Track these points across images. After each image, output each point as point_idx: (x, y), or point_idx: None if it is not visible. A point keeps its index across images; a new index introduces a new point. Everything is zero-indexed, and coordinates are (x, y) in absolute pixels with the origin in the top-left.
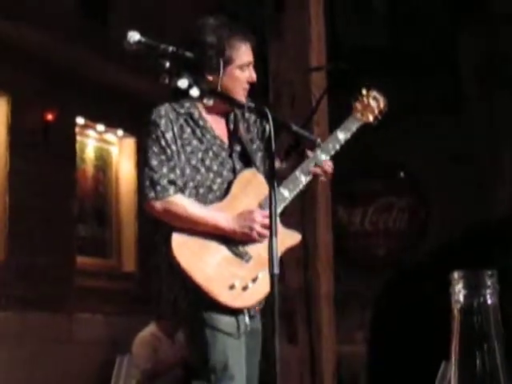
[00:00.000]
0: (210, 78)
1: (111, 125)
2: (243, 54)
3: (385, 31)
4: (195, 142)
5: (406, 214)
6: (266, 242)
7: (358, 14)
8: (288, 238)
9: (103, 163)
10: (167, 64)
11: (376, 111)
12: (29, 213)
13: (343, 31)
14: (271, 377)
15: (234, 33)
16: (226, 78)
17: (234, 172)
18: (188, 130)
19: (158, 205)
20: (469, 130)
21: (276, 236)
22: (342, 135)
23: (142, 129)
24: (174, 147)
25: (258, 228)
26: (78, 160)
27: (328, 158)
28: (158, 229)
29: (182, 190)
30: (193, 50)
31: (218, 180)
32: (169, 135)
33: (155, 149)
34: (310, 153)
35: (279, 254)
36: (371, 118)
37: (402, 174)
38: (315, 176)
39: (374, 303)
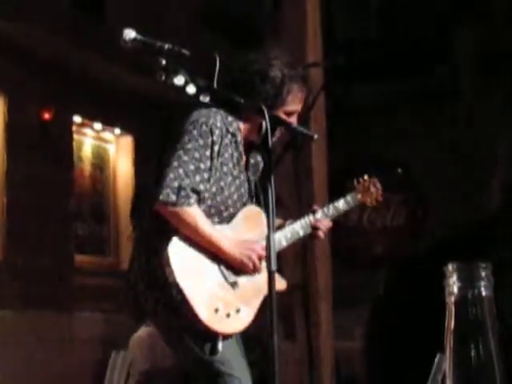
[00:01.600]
0: (264, 108)
1: (108, 123)
2: (296, 101)
3: (382, 27)
4: (230, 165)
5: (404, 211)
6: (254, 279)
7: (354, 9)
8: (276, 283)
9: (100, 161)
10: (163, 61)
11: (373, 197)
12: (26, 211)
13: (339, 27)
14: (269, 373)
15: (297, 78)
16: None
17: (245, 206)
18: (229, 150)
19: (173, 210)
20: (466, 126)
21: (274, 231)
22: (342, 206)
23: (180, 122)
24: (215, 161)
25: (255, 259)
26: (75, 158)
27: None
28: (151, 228)
29: (199, 202)
30: (254, 77)
31: (231, 210)
32: (216, 148)
33: (197, 154)
34: (315, 207)
35: (261, 298)
36: (368, 202)
37: (399, 171)
38: (314, 229)
39: (372, 298)
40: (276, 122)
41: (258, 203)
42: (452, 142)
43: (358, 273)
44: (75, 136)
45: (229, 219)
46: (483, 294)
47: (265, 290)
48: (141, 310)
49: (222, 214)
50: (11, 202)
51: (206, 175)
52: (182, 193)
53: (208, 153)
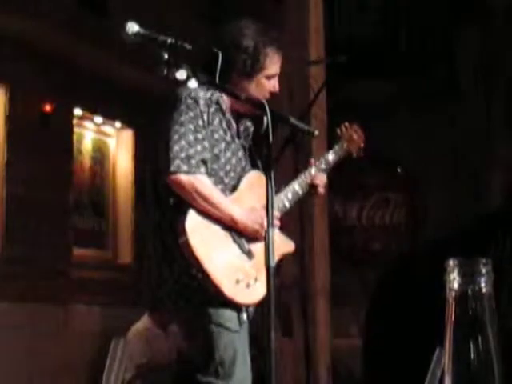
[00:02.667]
0: (237, 79)
1: (109, 116)
2: (274, 64)
3: (383, 26)
4: (221, 132)
5: (403, 209)
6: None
7: (356, 8)
8: (283, 245)
9: (100, 155)
10: (165, 55)
11: (358, 144)
12: (25, 204)
13: (342, 25)
14: (266, 370)
15: (270, 42)
16: (253, 84)
17: (244, 171)
18: (217, 118)
19: (187, 180)
20: (466, 125)
21: (273, 227)
22: (332, 157)
23: (171, 104)
24: (207, 130)
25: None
26: (75, 151)
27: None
28: (159, 213)
29: (207, 172)
30: (228, 50)
31: (231, 174)
32: (205, 117)
33: (191, 126)
34: (311, 168)
35: (275, 261)
36: (354, 150)
37: (398, 170)
38: (313, 187)
39: (370, 295)
40: (277, 118)
41: (256, 168)
42: (452, 141)
43: (356, 270)
44: (76, 129)
45: (231, 187)
46: (483, 290)
47: (279, 251)
48: (156, 298)
49: (223, 181)
50: (10, 195)
51: (205, 144)
52: (192, 161)
53: (200, 122)
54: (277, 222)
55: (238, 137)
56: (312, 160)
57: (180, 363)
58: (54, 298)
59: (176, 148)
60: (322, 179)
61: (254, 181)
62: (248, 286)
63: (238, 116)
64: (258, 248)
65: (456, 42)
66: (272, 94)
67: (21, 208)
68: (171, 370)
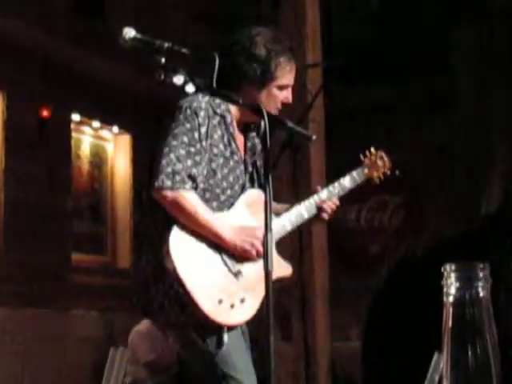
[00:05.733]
0: (247, 88)
1: (107, 121)
2: (287, 74)
3: (380, 28)
4: (221, 147)
5: (401, 212)
6: (258, 264)
7: (353, 10)
8: (281, 269)
9: (99, 160)
10: (163, 60)
11: (381, 171)
12: (24, 209)
13: (338, 28)
14: (265, 373)
15: (283, 51)
16: (263, 93)
17: (243, 190)
18: (219, 132)
19: (170, 195)
20: (464, 127)
21: (271, 232)
22: (348, 184)
23: (170, 112)
24: (204, 143)
25: (258, 245)
26: (73, 156)
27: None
28: (152, 224)
29: (196, 188)
30: (238, 58)
31: (228, 192)
32: (203, 130)
33: (186, 139)
34: (318, 188)
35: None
36: (375, 176)
37: (397, 172)
38: (319, 211)
39: (369, 298)
40: (274, 122)
41: (259, 186)
42: (451, 143)
43: (355, 273)
44: (73, 134)
45: (229, 204)
46: (481, 294)
47: (275, 274)
48: (148, 308)
49: (219, 198)
50: (9, 200)
51: (197, 158)
52: (177, 177)
53: (196, 135)
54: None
55: (245, 153)
56: (318, 187)
57: (181, 364)
58: (52, 302)
59: (163, 162)
60: (331, 205)
61: (251, 200)
62: (232, 306)
63: (247, 130)
64: (248, 268)
65: (454, 43)
66: (284, 104)
67: (19, 213)
68: (173, 371)
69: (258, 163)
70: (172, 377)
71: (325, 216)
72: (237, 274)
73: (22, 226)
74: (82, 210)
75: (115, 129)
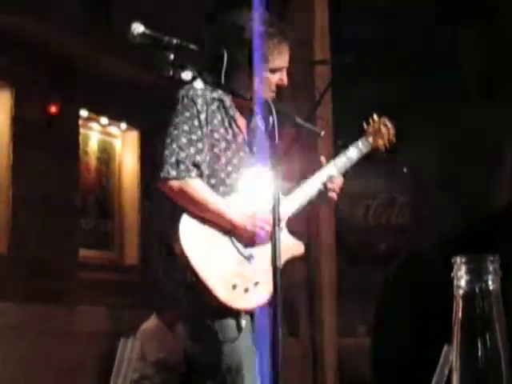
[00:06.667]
0: (240, 74)
1: (115, 118)
2: (278, 56)
3: (387, 28)
4: (222, 131)
5: (409, 210)
6: (269, 247)
7: (361, 9)
8: (293, 247)
9: (106, 156)
10: (171, 56)
11: (385, 138)
12: (31, 205)
13: (347, 25)
14: (273, 369)
15: (273, 33)
16: (255, 79)
17: (248, 171)
18: (218, 116)
19: (176, 184)
20: (471, 126)
21: (279, 227)
22: (355, 155)
23: (170, 104)
24: (204, 129)
25: (269, 229)
26: (81, 153)
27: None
28: (162, 215)
29: (201, 176)
30: (227, 44)
31: (234, 175)
32: (203, 116)
33: (186, 127)
34: (323, 159)
35: (282, 262)
36: (381, 144)
37: (404, 170)
38: (325, 190)
39: (376, 295)
40: (283, 118)
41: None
42: (457, 142)
43: (363, 270)
44: (81, 130)
45: (235, 187)
46: (491, 287)
47: (288, 253)
48: (161, 298)
49: (225, 183)
50: (17, 196)
51: (199, 145)
52: (182, 166)
53: (196, 122)
54: (282, 225)
55: (248, 133)
56: (323, 158)
57: (188, 363)
58: (59, 298)
59: (166, 153)
60: (337, 182)
61: (257, 180)
62: (246, 290)
63: (250, 112)
64: (259, 251)
65: (460, 41)
66: (280, 87)
67: (27, 209)
68: (180, 370)
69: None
70: (179, 375)
71: (332, 195)
72: (249, 258)
73: (29, 221)
74: (89, 206)
75: (123, 125)
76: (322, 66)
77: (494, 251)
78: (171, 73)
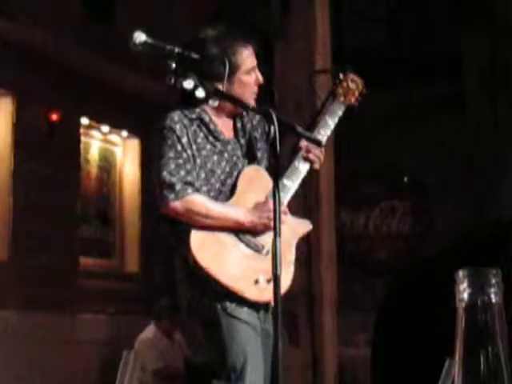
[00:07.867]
0: (220, 86)
1: (116, 126)
2: (247, 58)
3: (389, 35)
4: (208, 147)
5: (410, 218)
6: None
7: (362, 17)
8: (300, 227)
9: (107, 164)
10: (173, 65)
11: (356, 93)
12: (32, 213)
13: (348, 34)
14: (274, 379)
15: (235, 40)
16: (235, 85)
17: (242, 171)
18: (201, 134)
19: (179, 205)
20: (473, 133)
21: (280, 236)
22: (330, 121)
23: (152, 134)
24: (189, 152)
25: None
26: (82, 160)
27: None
28: (171, 233)
29: (198, 191)
30: (202, 65)
31: (228, 181)
32: (184, 140)
33: (171, 154)
34: (303, 142)
35: (295, 242)
36: (353, 100)
37: (405, 179)
38: (311, 163)
39: (377, 304)
40: (284, 127)
41: (258, 161)
42: (460, 150)
43: (363, 279)
44: (82, 138)
45: (232, 191)
46: (493, 300)
47: (298, 233)
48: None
49: (221, 191)
50: (18, 203)
51: (188, 167)
52: (177, 187)
53: (179, 147)
54: (284, 211)
55: (236, 135)
56: (303, 143)
57: (188, 371)
58: (60, 306)
59: (159, 181)
60: (317, 154)
61: (249, 177)
62: (269, 281)
63: (235, 114)
64: (270, 239)
65: (461, 48)
66: (259, 86)
67: (28, 217)
68: (180, 379)
69: (252, 137)
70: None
71: (316, 166)
72: (262, 250)
73: (30, 229)
74: (90, 214)
75: (124, 133)
76: (324, 75)
77: (496, 264)
78: (173, 81)
